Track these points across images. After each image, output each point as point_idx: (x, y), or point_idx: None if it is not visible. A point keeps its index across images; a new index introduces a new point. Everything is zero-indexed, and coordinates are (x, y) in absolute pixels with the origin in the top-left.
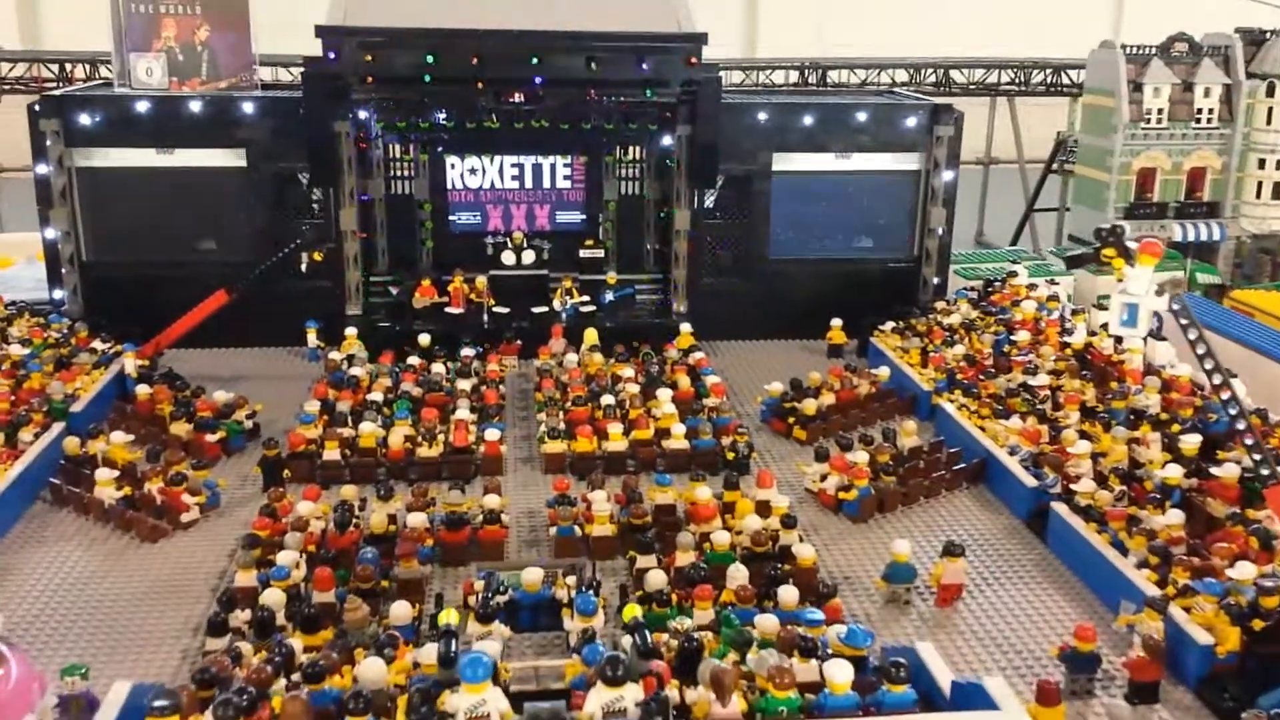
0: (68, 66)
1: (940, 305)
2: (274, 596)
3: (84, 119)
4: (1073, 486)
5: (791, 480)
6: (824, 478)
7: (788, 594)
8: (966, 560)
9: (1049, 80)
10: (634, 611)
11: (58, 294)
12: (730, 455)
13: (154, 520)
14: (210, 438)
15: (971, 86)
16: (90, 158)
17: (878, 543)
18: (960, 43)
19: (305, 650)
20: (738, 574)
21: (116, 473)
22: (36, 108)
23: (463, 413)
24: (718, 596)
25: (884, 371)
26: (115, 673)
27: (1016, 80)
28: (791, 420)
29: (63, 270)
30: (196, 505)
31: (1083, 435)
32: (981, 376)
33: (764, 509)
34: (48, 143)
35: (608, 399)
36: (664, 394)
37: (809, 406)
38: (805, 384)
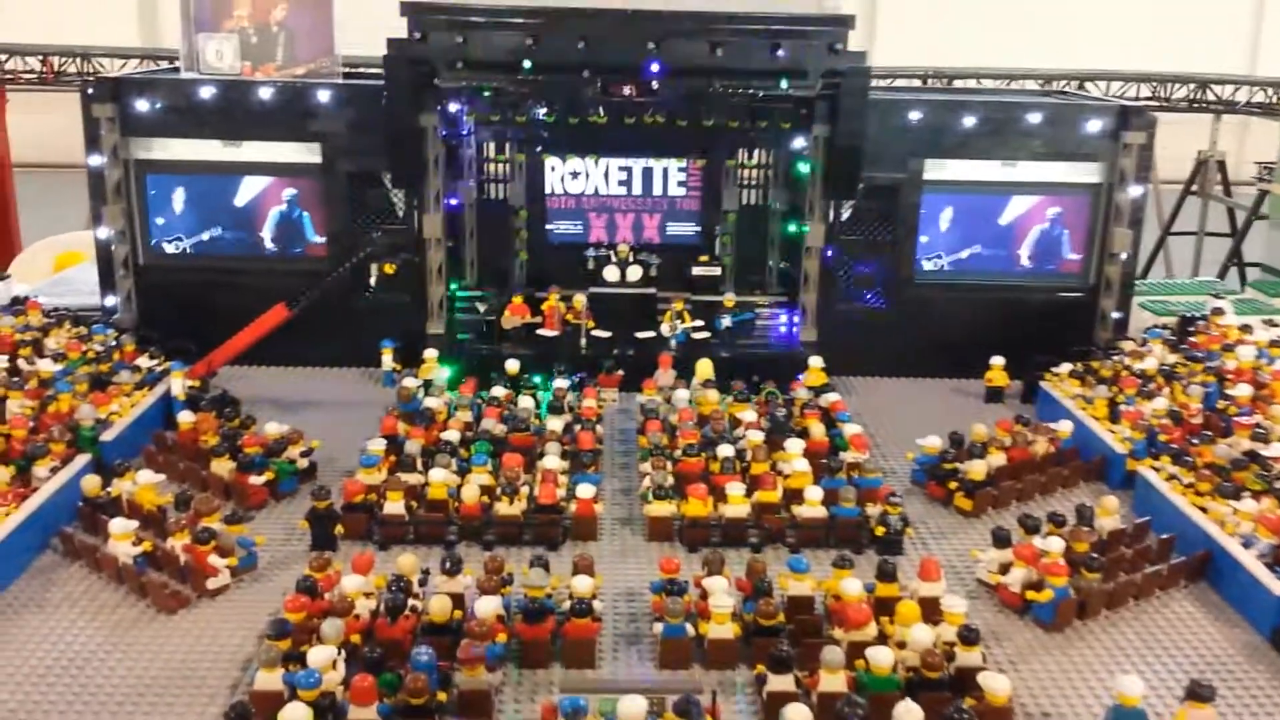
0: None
1: (1129, 346)
2: (297, 714)
3: (142, 105)
4: None
5: (956, 563)
6: (1005, 569)
7: None
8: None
9: (1192, 96)
10: None
11: (109, 300)
12: (880, 530)
13: (174, 585)
14: (255, 480)
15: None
16: (149, 149)
17: (1084, 666)
18: (1091, 57)
19: None
20: (908, 716)
21: (134, 524)
22: (89, 91)
23: (551, 460)
24: None
25: (1065, 426)
26: None
27: (1157, 95)
28: (953, 486)
29: (117, 274)
30: (227, 568)
31: None
32: (1193, 440)
33: (931, 611)
34: (102, 131)
35: (725, 449)
36: (794, 445)
37: (976, 470)
38: (968, 439)
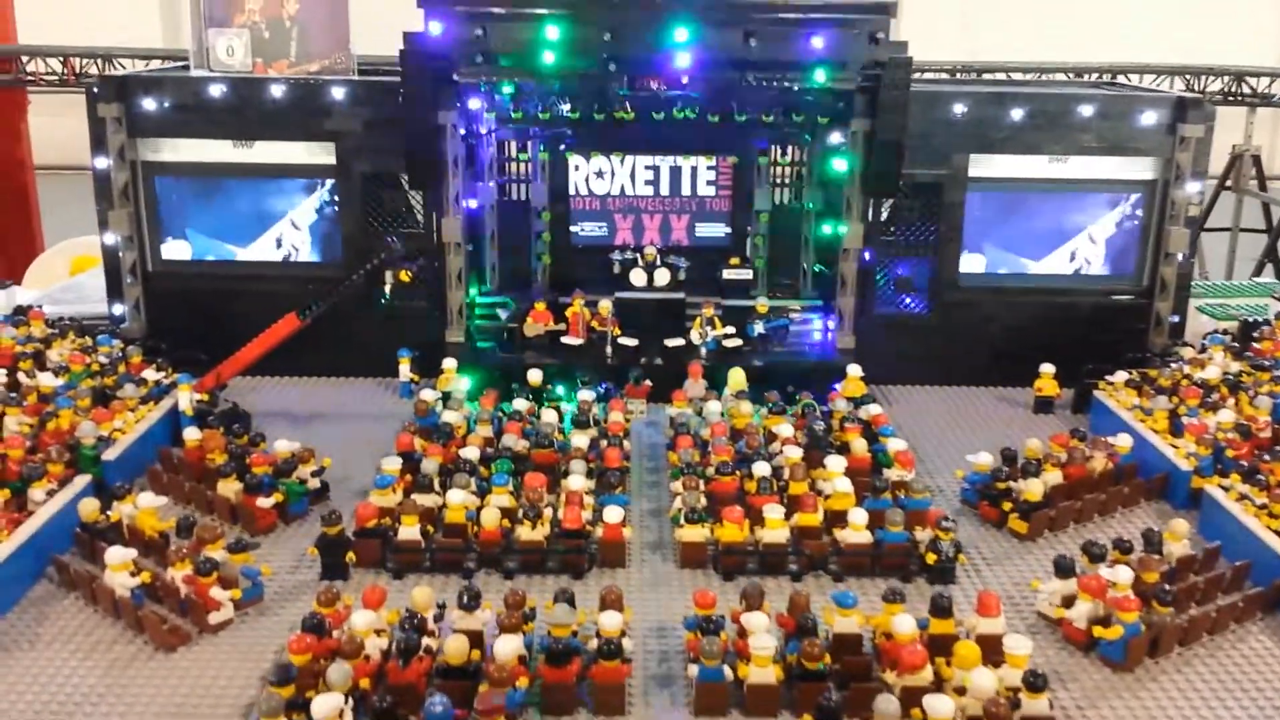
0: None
1: (1188, 353)
2: None
3: (149, 104)
4: None
5: (1013, 593)
6: (1069, 601)
7: None
8: None
9: (1227, 88)
10: None
11: (117, 309)
12: (931, 558)
13: (174, 620)
14: (263, 502)
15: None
16: (158, 150)
17: (1158, 711)
18: (1121, 50)
19: None
20: None
21: (132, 553)
22: (95, 90)
23: (577, 479)
24: None
25: (1125, 441)
26: None
27: (1191, 87)
28: (1008, 507)
29: (125, 281)
30: (230, 601)
31: None
32: (1264, 455)
33: (990, 650)
34: (108, 132)
35: (761, 467)
36: (835, 463)
37: (1032, 490)
38: (1021, 456)
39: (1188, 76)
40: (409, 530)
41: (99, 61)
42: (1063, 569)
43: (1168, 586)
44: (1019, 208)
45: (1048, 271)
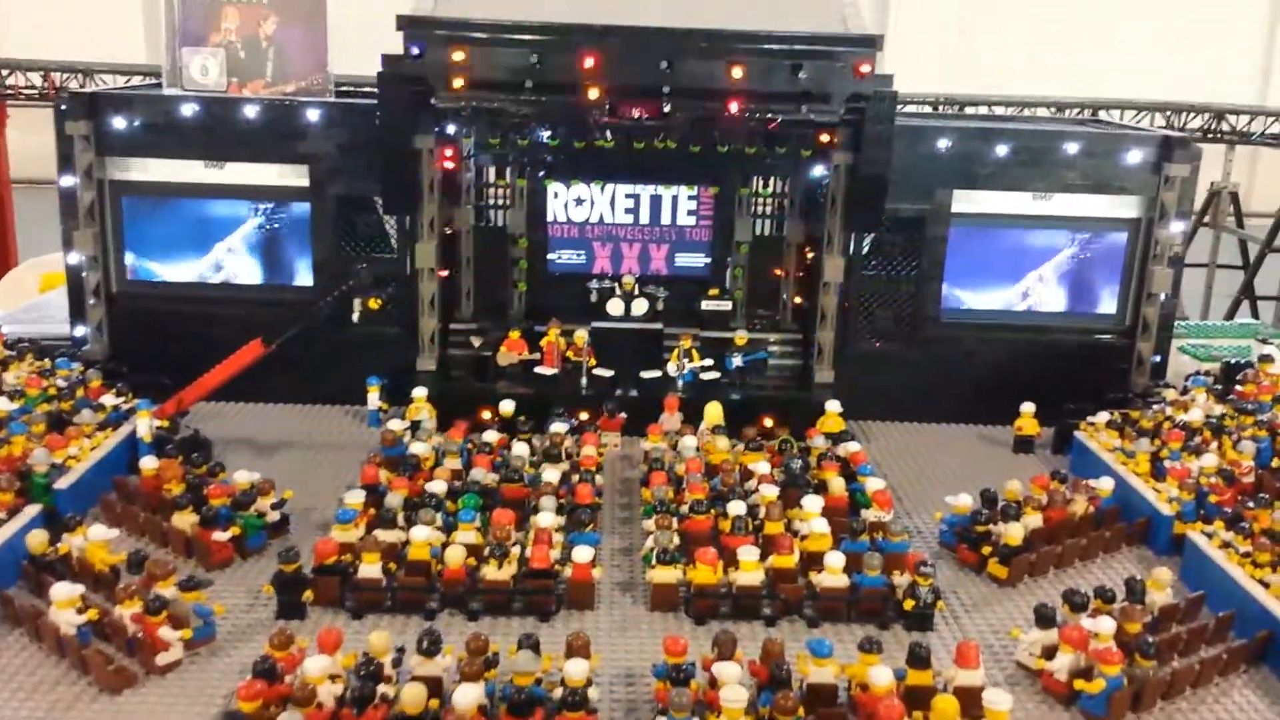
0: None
1: (1171, 394)
2: None
3: (119, 123)
4: None
5: (991, 640)
6: (1050, 652)
7: None
8: None
9: (1207, 125)
10: None
11: (79, 330)
12: (909, 604)
13: (120, 661)
14: (219, 536)
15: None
16: (126, 169)
17: None
18: (1102, 85)
19: None
20: None
21: (79, 589)
22: (63, 107)
23: (546, 516)
24: None
25: (1106, 484)
26: None
27: (1172, 124)
28: (987, 551)
29: (88, 302)
30: (180, 641)
31: None
32: (1249, 502)
33: (969, 703)
34: (75, 150)
35: (736, 506)
36: (812, 503)
37: (1013, 534)
38: (1002, 498)
39: (1168, 113)
40: (370, 568)
41: (79, 76)
42: (1044, 619)
43: (1150, 638)
44: (1006, 245)
45: (1030, 308)
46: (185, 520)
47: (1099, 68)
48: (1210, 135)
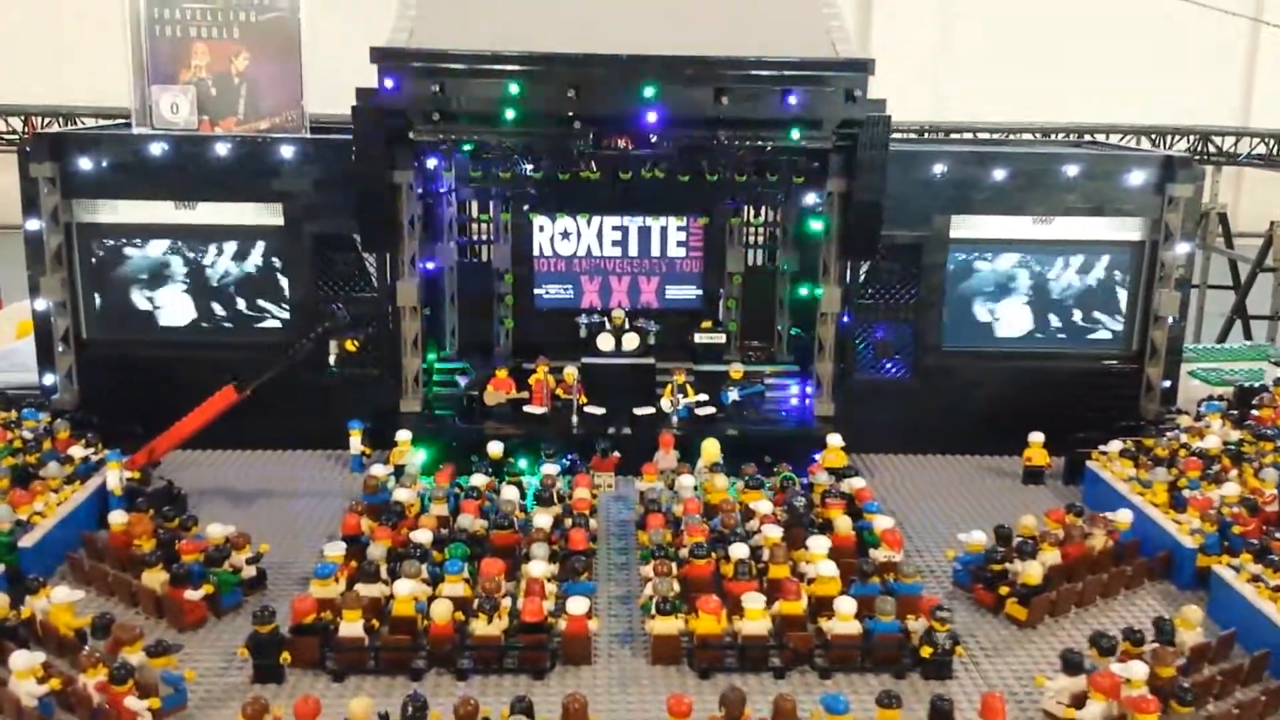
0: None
1: (1185, 421)
2: None
3: (85, 164)
4: None
5: (1015, 686)
6: (1078, 700)
7: None
8: None
9: (1193, 147)
10: None
11: (48, 379)
12: (927, 651)
13: None
14: (191, 594)
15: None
16: (94, 212)
17: None
18: (1086, 110)
19: None
20: None
21: (40, 658)
22: (28, 150)
23: (539, 565)
24: None
25: (1125, 516)
26: None
27: (1158, 147)
28: (1005, 591)
29: (56, 350)
30: (149, 710)
31: None
32: (1276, 533)
33: None
34: (41, 192)
35: (739, 549)
36: (818, 544)
37: (1031, 573)
38: (1016, 534)
39: (1154, 136)
40: (351, 626)
41: (60, 120)
42: (1071, 665)
43: (1185, 683)
44: (1007, 271)
45: (1035, 335)
46: (155, 578)
47: (1083, 93)
48: (1197, 157)
